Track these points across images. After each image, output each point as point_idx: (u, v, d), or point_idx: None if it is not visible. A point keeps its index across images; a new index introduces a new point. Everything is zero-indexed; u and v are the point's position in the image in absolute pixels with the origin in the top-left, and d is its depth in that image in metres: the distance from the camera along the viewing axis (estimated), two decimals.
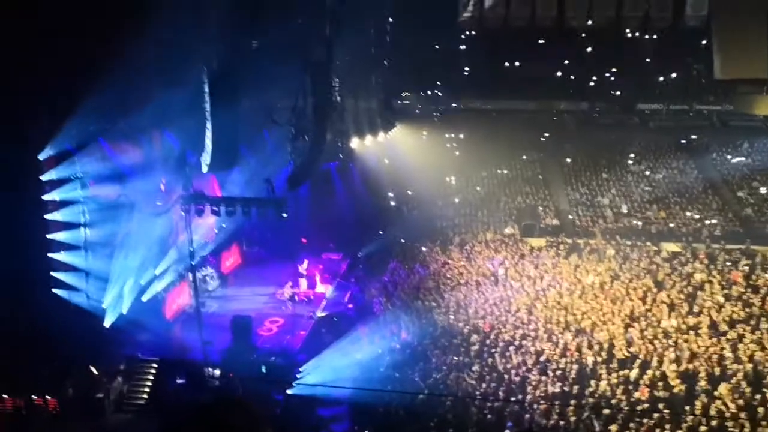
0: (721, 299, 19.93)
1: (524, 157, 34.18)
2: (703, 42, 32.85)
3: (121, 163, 19.06)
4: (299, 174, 18.68)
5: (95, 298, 17.77)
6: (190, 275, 19.96)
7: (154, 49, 15.33)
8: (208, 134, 16.60)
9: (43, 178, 16.69)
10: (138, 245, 19.20)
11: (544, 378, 15.75)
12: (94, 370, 16.43)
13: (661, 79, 34.04)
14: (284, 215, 18.08)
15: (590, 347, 17.15)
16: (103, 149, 18.29)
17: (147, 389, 16.76)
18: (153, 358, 17.34)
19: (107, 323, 18.06)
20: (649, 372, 15.64)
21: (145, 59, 15.43)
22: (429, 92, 35.28)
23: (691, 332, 17.73)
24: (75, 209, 17.45)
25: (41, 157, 16.40)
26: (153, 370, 17.07)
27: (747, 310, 19.03)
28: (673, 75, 33.78)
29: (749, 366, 15.65)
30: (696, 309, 19.29)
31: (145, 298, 19.81)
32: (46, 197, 16.83)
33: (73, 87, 15.30)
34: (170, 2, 14.54)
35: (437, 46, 33.62)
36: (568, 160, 34.17)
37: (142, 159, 19.88)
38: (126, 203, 18.94)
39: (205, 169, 17.51)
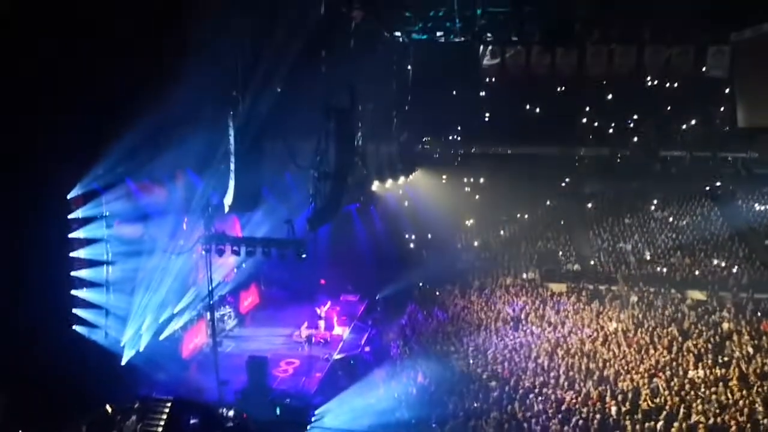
0: (751, 350, 19.29)
1: (548, 203, 34.06)
2: (726, 90, 32.85)
3: (146, 203, 19.45)
4: (320, 215, 18.81)
5: (114, 335, 17.87)
6: (208, 314, 20.03)
7: (181, 92, 15.83)
8: (232, 176, 16.92)
9: (70, 216, 17.08)
10: (158, 284, 19.39)
11: (565, 428, 15.26)
12: (109, 408, 16.36)
13: (683, 126, 33.96)
14: (303, 256, 18.16)
15: (613, 397, 16.63)
16: (129, 189, 18.71)
17: (160, 429, 16.57)
18: (167, 398, 17.19)
19: (124, 361, 18.09)
20: (676, 425, 15.04)
21: (172, 102, 15.92)
22: (449, 137, 35.62)
23: (720, 384, 17.10)
24: (99, 247, 17.74)
25: (69, 196, 16.84)
26: (167, 410, 16.91)
27: None
28: (693, 122, 33.67)
29: None
30: (724, 360, 18.66)
31: (162, 337, 19.86)
32: (72, 235, 17.17)
33: (104, 127, 15.79)
34: (199, 46, 15.10)
35: (456, 92, 34.12)
36: (590, 205, 33.96)
37: (166, 199, 20.31)
38: (148, 242, 19.25)
39: (227, 209, 17.78)
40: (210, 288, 18.36)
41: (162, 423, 16.68)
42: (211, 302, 19.03)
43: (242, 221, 23.56)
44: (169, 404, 17.03)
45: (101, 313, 17.67)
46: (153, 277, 19.24)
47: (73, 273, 17.22)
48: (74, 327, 17.20)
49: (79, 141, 15.67)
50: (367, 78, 22.69)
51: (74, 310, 17.23)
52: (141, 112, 15.33)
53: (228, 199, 17.29)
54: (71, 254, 17.15)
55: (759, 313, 23.10)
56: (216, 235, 18.18)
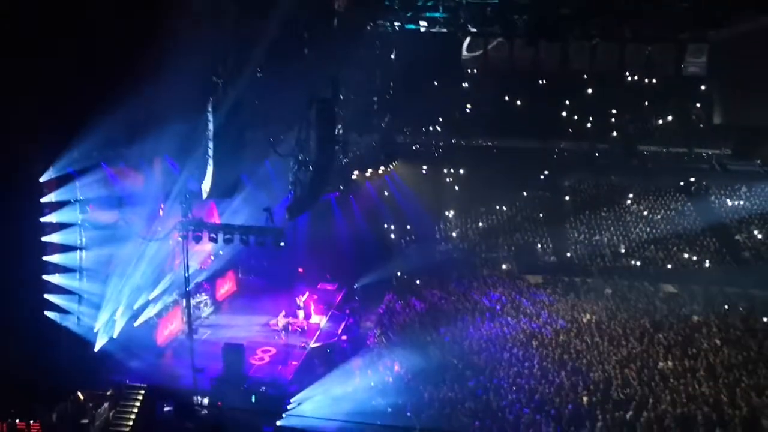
0: (718, 342, 19.75)
1: (524, 194, 34.34)
2: (703, 87, 33.38)
3: (122, 188, 19.23)
4: (299, 204, 18.75)
5: (87, 321, 17.67)
6: (184, 301, 19.90)
7: (159, 77, 15.59)
8: (210, 162, 16.77)
9: (43, 200, 16.79)
10: (133, 270, 19.20)
11: (538, 417, 15.48)
12: (81, 396, 16.19)
13: (660, 122, 34.44)
14: (282, 244, 18.11)
15: (586, 387, 16.92)
16: (104, 173, 18.46)
17: (133, 416, 16.47)
18: (141, 385, 17.09)
19: (97, 347, 17.91)
20: (645, 414, 15.37)
21: (150, 86, 15.68)
22: (430, 128, 35.64)
23: (688, 375, 17.51)
24: (72, 232, 17.50)
25: (42, 179, 16.54)
26: (140, 397, 16.81)
27: (744, 354, 18.82)
28: (670, 118, 34.16)
29: (746, 411, 15.40)
30: (693, 351, 19.09)
31: (137, 323, 19.69)
32: (44, 219, 16.90)
33: (78, 111, 15.52)
34: (177, 31, 14.87)
35: (438, 83, 34.11)
36: (567, 198, 34.33)
37: (143, 184, 20.07)
38: (124, 227, 19.03)
39: (205, 196, 17.63)
40: (186, 275, 18.22)
41: (135, 410, 16.59)
42: (188, 289, 18.89)
43: (220, 208, 23.39)
44: (142, 391, 16.93)
45: (74, 299, 17.47)
46: (128, 263, 19.05)
47: (45, 258, 16.96)
48: (46, 312, 16.96)
49: (52, 124, 15.41)
50: (349, 68, 22.59)
51: (46, 296, 17.00)
52: (118, 96, 15.08)
53: (206, 186, 17.15)
54: (43, 239, 16.88)
55: (727, 306, 23.65)
56: (193, 222, 18.05)
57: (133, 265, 19.17)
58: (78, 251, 17.63)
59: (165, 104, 16.48)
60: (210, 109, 16.18)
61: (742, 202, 32.43)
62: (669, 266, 28.51)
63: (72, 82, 14.69)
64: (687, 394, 16.36)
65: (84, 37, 14.48)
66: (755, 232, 30.21)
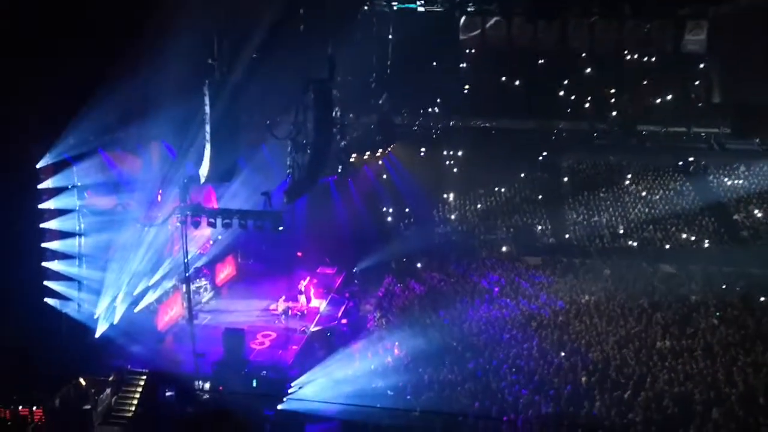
0: (716, 322, 19.88)
1: (522, 175, 34.26)
2: (701, 65, 33.16)
3: (119, 174, 19.12)
4: (297, 187, 18.67)
5: (87, 308, 17.68)
6: (184, 287, 19.90)
7: (155, 61, 15.42)
8: (207, 146, 16.64)
9: (40, 186, 16.69)
10: (132, 255, 19.17)
11: (537, 398, 15.62)
12: (83, 381, 16.27)
13: (659, 101, 34.26)
14: (281, 228, 18.09)
15: (584, 367, 17.04)
16: (101, 159, 18.35)
17: (135, 401, 16.57)
18: (142, 370, 17.17)
19: (98, 334, 17.95)
20: (643, 394, 15.50)
21: (146, 71, 15.52)
22: (428, 109, 35.42)
23: (685, 354, 17.64)
24: (71, 218, 17.42)
25: (39, 165, 16.43)
26: (142, 382, 16.90)
27: (741, 332, 18.96)
28: (669, 97, 33.99)
29: (743, 389, 15.54)
30: (690, 331, 19.21)
31: (137, 309, 19.72)
32: (42, 206, 16.81)
33: (74, 97, 15.39)
34: (172, 14, 14.66)
35: (436, 64, 33.83)
36: (566, 179, 34.26)
37: (140, 169, 19.97)
38: (122, 213, 18.96)
39: (202, 180, 17.53)
40: (185, 260, 18.20)
41: (137, 395, 16.68)
42: (187, 274, 18.89)
43: (218, 193, 23.30)
44: (144, 377, 17.02)
45: (74, 286, 17.45)
46: (127, 248, 19.01)
47: (44, 244, 16.92)
48: (46, 299, 16.97)
49: (48, 110, 15.27)
50: (346, 49, 22.34)
51: (46, 282, 16.98)
52: (113, 81, 14.93)
53: (204, 170, 17.02)
54: (42, 225, 16.82)
55: (725, 286, 23.75)
56: (191, 207, 17.98)
57: (132, 251, 19.13)
58: (77, 237, 17.56)
59: (161, 88, 16.32)
60: (206, 92, 16.00)
61: (740, 182, 32.43)
62: (667, 246, 28.59)
63: (67, 67, 14.50)
64: (684, 373, 16.51)
65: (79, 22, 14.28)
66: (754, 212, 30.24)
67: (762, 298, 22.13)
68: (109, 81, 14.89)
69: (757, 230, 29.23)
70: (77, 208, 17.54)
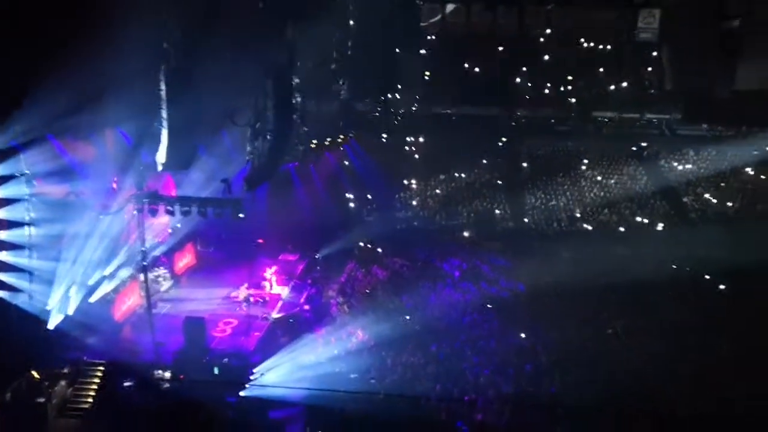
0: (669, 301, 20.67)
1: (483, 161, 34.66)
2: (654, 53, 34.05)
3: (71, 161, 18.52)
4: (257, 174, 18.49)
5: (40, 299, 17.15)
6: (142, 276, 19.51)
7: (107, 45, 14.94)
8: (164, 132, 16.28)
9: None
10: (87, 245, 18.66)
11: (498, 378, 15.98)
12: (36, 374, 15.83)
13: (614, 87, 35.06)
14: (241, 216, 17.91)
15: (544, 347, 17.50)
16: (51, 146, 17.73)
17: (93, 393, 16.22)
18: (100, 361, 16.81)
19: (51, 325, 17.45)
20: (601, 371, 16.04)
21: (98, 55, 15.02)
22: (389, 95, 35.34)
23: (641, 333, 18.31)
24: (19, 207, 16.83)
25: None
26: (99, 373, 16.54)
27: (692, 312, 19.78)
28: (624, 84, 34.84)
29: (695, 366, 16.24)
30: (645, 311, 19.93)
31: (93, 300, 19.25)
32: None
33: (21, 82, 14.78)
34: None
35: (398, 50, 33.74)
36: (525, 164, 34.83)
37: (94, 157, 19.38)
38: (75, 202, 18.41)
39: (160, 168, 17.16)
40: (143, 249, 17.83)
41: (94, 387, 16.33)
42: (145, 263, 18.51)
43: (176, 180, 22.83)
44: (101, 367, 16.67)
45: (24, 276, 16.91)
46: (81, 238, 18.48)
47: None
48: None
49: None
50: (306, 34, 22.08)
51: None
52: (62, 65, 14.39)
53: (161, 157, 16.69)
54: None
55: (675, 266, 24.66)
56: (148, 194, 17.61)
57: (87, 241, 18.61)
58: (26, 227, 16.98)
59: (114, 73, 15.84)
60: (162, 77, 15.62)
61: (689, 166, 33.57)
62: (622, 229, 29.47)
63: (11, 50, 13.91)
64: (639, 352, 17.12)
65: (26, 3, 13.71)
66: (703, 194, 31.45)
67: (707, 277, 23.05)
68: (58, 66, 14.35)
69: (705, 212, 30.45)
70: (26, 197, 16.93)
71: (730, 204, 30.93)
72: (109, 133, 19.76)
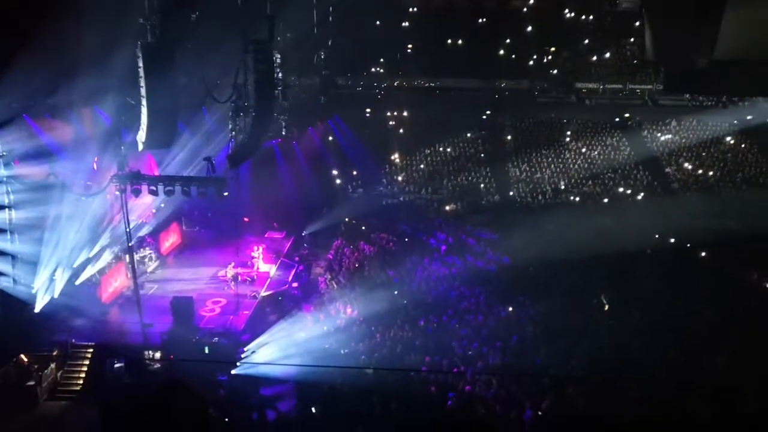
0: (650, 271, 21.00)
1: (467, 134, 34.62)
2: (636, 23, 33.98)
3: (50, 141, 18.19)
4: (240, 152, 18.26)
5: (24, 282, 16.98)
6: (127, 257, 19.36)
7: (83, 21, 14.56)
8: (144, 111, 15.96)
9: None
10: (70, 227, 18.45)
11: (485, 349, 16.19)
12: (24, 358, 15.74)
13: (596, 58, 35.07)
14: (225, 194, 17.76)
15: (530, 319, 17.74)
16: (29, 126, 17.38)
17: (83, 375, 16.21)
18: (89, 343, 16.77)
19: (38, 308, 17.32)
20: (585, 342, 16.32)
21: (74, 32, 14.64)
22: (372, 70, 35.01)
23: (624, 304, 18.62)
24: None
25: None
26: (89, 356, 16.50)
27: (673, 281, 20.13)
28: (607, 55, 34.85)
29: (679, 338, 16.60)
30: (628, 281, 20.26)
31: (78, 282, 19.10)
32: None
33: None
34: None
35: (379, 23, 33.32)
36: (509, 137, 34.87)
37: (73, 137, 19.04)
38: (56, 183, 18.11)
39: (141, 147, 16.88)
40: (127, 229, 17.65)
41: (84, 369, 16.31)
42: (130, 244, 18.35)
43: (158, 159, 22.54)
44: (90, 350, 16.62)
45: (7, 260, 16.72)
46: (63, 220, 18.25)
47: None
48: None
49: None
50: (286, 8, 21.68)
51: None
52: (38, 43, 14.00)
53: (141, 136, 16.39)
54: None
55: (658, 236, 25.02)
56: (130, 174, 17.35)
57: (70, 223, 18.38)
58: (6, 210, 16.71)
59: (90, 51, 15.47)
60: (139, 54, 15.25)
61: (671, 136, 33.86)
62: (605, 200, 29.74)
63: None
64: (622, 324, 17.43)
65: None
66: (684, 164, 31.79)
67: (688, 245, 23.45)
68: (31, 44, 13.96)
69: (687, 182, 30.82)
70: (5, 179, 16.63)
71: (710, 173, 31.32)
72: (87, 112, 19.42)
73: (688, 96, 33.73)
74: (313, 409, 13.65)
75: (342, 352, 16.51)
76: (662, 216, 26.81)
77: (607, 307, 18.39)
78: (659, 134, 34.20)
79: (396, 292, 19.79)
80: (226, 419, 12.98)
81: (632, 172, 31.53)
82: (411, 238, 25.32)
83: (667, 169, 31.91)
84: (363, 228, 27.00)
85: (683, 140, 33.32)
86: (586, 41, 34.87)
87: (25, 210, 17.06)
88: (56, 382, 16.08)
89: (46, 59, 14.65)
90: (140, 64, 15.34)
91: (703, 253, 23.08)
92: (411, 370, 15.54)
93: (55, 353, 16.35)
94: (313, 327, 17.98)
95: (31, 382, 15.36)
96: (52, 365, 16.07)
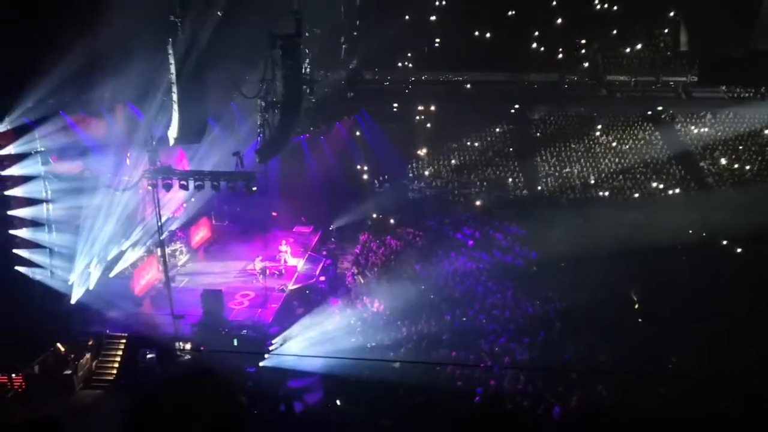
0: (682, 266, 20.57)
1: (495, 128, 34.32)
2: (671, 14, 33.18)
3: (84, 137, 18.63)
4: (269, 147, 18.41)
5: (60, 275, 17.49)
6: (159, 250, 19.76)
7: (116, 20, 14.84)
8: (175, 107, 16.24)
9: (1, 153, 16.21)
10: (104, 221, 18.90)
11: (512, 345, 16.11)
12: (61, 347, 16.23)
13: (628, 50, 34.33)
14: (254, 189, 17.96)
15: (557, 315, 17.58)
16: (65, 123, 17.84)
17: (116, 365, 16.64)
18: (122, 334, 17.19)
19: (73, 300, 17.82)
20: (613, 337, 16.10)
21: (107, 30, 14.94)
22: (400, 64, 34.92)
23: (656, 299, 18.30)
24: (36, 185, 17.04)
25: None
26: (122, 346, 16.93)
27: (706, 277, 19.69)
28: (639, 47, 34.09)
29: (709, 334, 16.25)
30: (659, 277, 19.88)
31: (112, 274, 19.57)
32: (4, 173, 16.37)
33: (30, 59, 14.77)
34: None
35: (408, 17, 33.20)
36: (537, 131, 34.45)
37: (106, 133, 19.47)
38: (90, 178, 18.58)
39: (172, 142, 17.19)
40: (159, 223, 18.01)
41: (118, 359, 16.74)
42: (161, 238, 18.72)
43: (188, 154, 22.91)
44: (123, 340, 17.04)
45: (45, 253, 17.22)
46: (98, 214, 18.72)
47: (9, 212, 16.55)
48: (17, 267, 16.71)
49: (2, 72, 14.64)
50: (314, 2, 21.76)
51: (15, 251, 16.69)
52: (72, 40, 14.34)
53: (172, 132, 16.68)
54: (5, 192, 16.41)
55: (691, 231, 24.46)
56: (162, 169, 17.69)
57: (103, 216, 18.84)
58: (44, 204, 17.21)
59: (122, 47, 15.77)
60: (170, 50, 15.50)
61: (706, 129, 32.97)
62: (636, 195, 29.19)
63: (19, 26, 13.87)
64: (652, 320, 17.14)
65: None
66: (719, 159, 30.95)
67: (724, 242, 22.87)
68: (66, 41, 14.30)
69: (722, 176, 30.01)
70: (42, 174, 17.12)
71: (747, 167, 30.44)
72: (120, 108, 19.79)
73: (724, 88, 32.80)
74: (338, 402, 13.76)
75: (368, 345, 16.60)
76: (696, 211, 26.18)
77: (636, 305, 18.08)
78: (693, 127, 33.33)
79: (423, 287, 19.80)
80: (255, 411, 13.17)
81: (665, 167, 30.83)
82: (438, 232, 25.27)
83: (702, 164, 31.08)
84: (390, 222, 27.05)
85: (719, 133, 32.41)
86: (617, 32, 34.14)
87: (61, 204, 17.55)
88: (91, 371, 16.55)
89: (80, 56, 14.98)
90: (171, 60, 15.60)
91: (739, 249, 22.49)
92: (437, 364, 15.55)
93: (90, 343, 16.82)
94: (340, 321, 18.11)
95: (68, 371, 15.84)
96: (88, 355, 16.54)
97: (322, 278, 22.35)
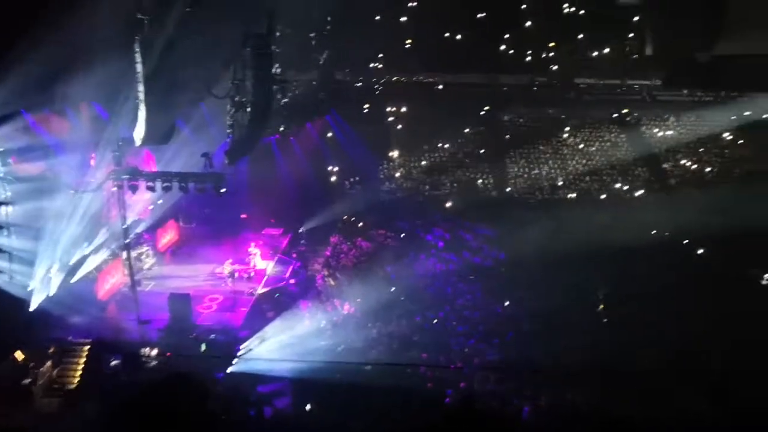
0: (648, 266, 21.02)
1: (467, 130, 34.53)
2: (636, 18, 33.89)
3: (47, 137, 18.10)
4: (238, 148, 18.19)
5: (20, 280, 16.92)
6: (124, 254, 19.31)
7: (82, 16, 14.45)
8: (141, 107, 15.88)
9: None
10: (66, 223, 18.38)
11: (482, 346, 16.23)
12: (19, 356, 15.70)
13: (596, 53, 34.94)
14: (223, 190, 17.71)
15: (526, 315, 17.77)
16: (25, 122, 17.28)
17: (79, 372, 16.16)
18: (85, 340, 16.72)
19: (33, 306, 17.26)
20: (582, 338, 16.34)
21: (71, 27, 14.54)
22: (371, 65, 34.88)
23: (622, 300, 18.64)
24: None
25: None
26: (85, 353, 16.46)
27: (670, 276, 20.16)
28: (606, 50, 34.72)
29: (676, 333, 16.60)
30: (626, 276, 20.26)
31: (75, 279, 19.04)
32: None
33: None
34: None
35: (379, 18, 33.18)
36: (507, 133, 34.79)
37: (69, 132, 18.95)
38: (52, 179, 18.04)
39: (138, 143, 16.80)
40: (124, 226, 17.60)
41: (81, 366, 16.26)
42: (127, 241, 18.29)
43: (156, 155, 22.44)
44: (87, 347, 16.57)
45: (4, 257, 16.64)
46: (60, 216, 18.18)
47: None
48: None
49: None
50: (285, 1, 21.56)
51: None
52: (34, 38, 13.91)
53: (139, 132, 16.31)
54: None
55: (655, 232, 25.01)
56: (128, 171, 17.31)
57: (66, 219, 18.32)
58: (2, 206, 16.63)
59: (88, 45, 15.35)
60: (137, 49, 15.15)
61: (669, 132, 33.79)
62: (603, 196, 29.76)
63: None
64: (619, 320, 17.45)
65: None
66: (682, 161, 31.79)
67: (685, 241, 23.44)
68: (29, 38, 13.87)
69: (684, 178, 30.86)
70: (1, 175, 16.55)
71: (708, 169, 31.33)
72: (84, 107, 19.30)
73: (686, 92, 33.66)
74: (309, 406, 13.66)
75: (339, 348, 16.52)
76: (660, 212, 26.80)
77: (602, 306, 18.39)
78: (657, 130, 34.11)
79: (393, 289, 19.79)
80: (223, 417, 12.97)
81: (630, 168, 31.51)
82: (409, 234, 25.30)
83: (665, 165, 31.90)
84: (361, 224, 26.98)
85: (681, 136, 33.26)
86: (585, 36, 34.69)
87: (22, 206, 16.99)
88: (52, 379, 16.02)
89: (43, 54, 14.56)
90: (138, 59, 15.25)
91: (701, 250, 23.09)
92: (408, 365, 15.56)
93: (51, 350, 16.30)
94: (311, 323, 17.99)
95: (27, 380, 15.33)
96: (49, 363, 16.02)
97: (292, 281, 22.17)
